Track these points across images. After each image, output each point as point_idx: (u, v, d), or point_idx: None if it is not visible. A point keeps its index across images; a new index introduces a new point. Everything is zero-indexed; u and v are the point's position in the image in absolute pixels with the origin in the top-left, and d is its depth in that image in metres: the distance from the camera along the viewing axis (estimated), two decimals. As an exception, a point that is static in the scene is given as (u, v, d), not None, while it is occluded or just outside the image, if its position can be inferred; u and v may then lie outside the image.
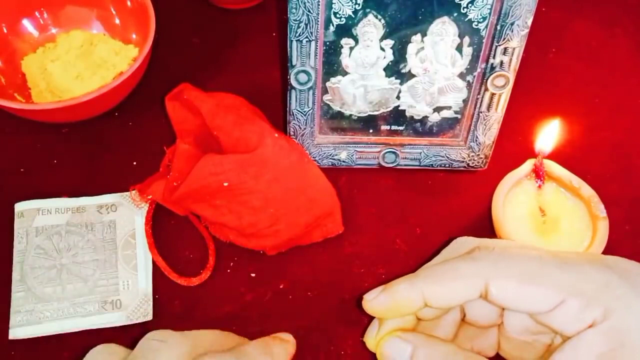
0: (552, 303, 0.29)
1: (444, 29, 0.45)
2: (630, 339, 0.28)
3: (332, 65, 0.47)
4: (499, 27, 0.44)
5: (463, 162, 0.52)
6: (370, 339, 0.34)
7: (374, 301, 0.33)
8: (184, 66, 0.59)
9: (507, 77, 0.46)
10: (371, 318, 0.35)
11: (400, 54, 0.46)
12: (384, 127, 0.51)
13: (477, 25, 0.44)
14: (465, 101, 0.49)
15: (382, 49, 0.46)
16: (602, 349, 0.28)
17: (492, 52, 0.45)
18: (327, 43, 0.45)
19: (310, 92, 0.47)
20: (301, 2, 0.42)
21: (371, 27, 0.44)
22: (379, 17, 0.44)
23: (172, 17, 0.61)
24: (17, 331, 0.44)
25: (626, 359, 0.27)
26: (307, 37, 0.44)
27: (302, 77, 0.46)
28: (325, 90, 0.48)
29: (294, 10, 0.43)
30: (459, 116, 0.50)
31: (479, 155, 0.51)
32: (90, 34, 0.57)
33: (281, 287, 0.47)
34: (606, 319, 0.28)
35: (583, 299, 0.29)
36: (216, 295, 0.47)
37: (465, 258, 0.32)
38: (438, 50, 0.46)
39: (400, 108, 0.49)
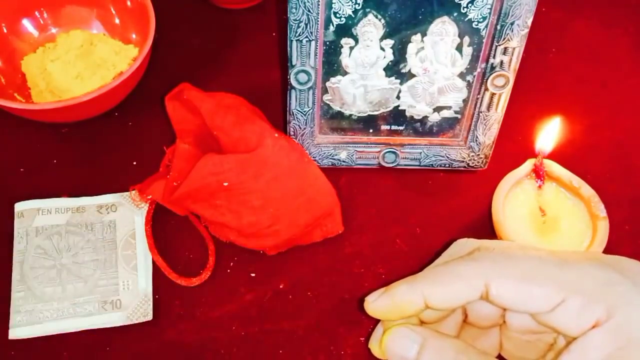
0: (552, 302, 0.29)
1: (444, 29, 0.45)
2: (637, 336, 0.27)
3: (332, 65, 0.47)
4: (499, 27, 0.44)
5: (463, 162, 0.52)
6: (376, 345, 0.34)
7: (374, 303, 0.33)
8: (184, 66, 0.59)
9: (507, 77, 0.46)
10: (372, 319, 0.35)
11: (400, 53, 0.46)
12: (384, 127, 0.51)
13: (477, 25, 0.44)
14: (465, 101, 0.49)
15: (382, 48, 0.46)
16: (609, 348, 0.28)
17: (492, 52, 0.45)
18: (327, 43, 0.45)
19: (310, 92, 0.47)
20: (301, 2, 0.42)
21: (371, 27, 0.44)
22: (379, 16, 0.44)
23: (172, 17, 0.61)
24: (17, 331, 0.44)
25: (634, 356, 0.27)
26: (307, 36, 0.44)
27: (302, 77, 0.46)
28: (325, 90, 0.48)
29: (294, 10, 0.43)
30: (459, 116, 0.50)
31: (479, 155, 0.51)
32: (90, 34, 0.57)
33: (281, 287, 0.47)
34: (610, 317, 0.28)
35: (584, 297, 0.29)
36: (216, 295, 0.47)
37: (465, 259, 0.32)
38: (438, 50, 0.46)
39: (400, 108, 0.49)
